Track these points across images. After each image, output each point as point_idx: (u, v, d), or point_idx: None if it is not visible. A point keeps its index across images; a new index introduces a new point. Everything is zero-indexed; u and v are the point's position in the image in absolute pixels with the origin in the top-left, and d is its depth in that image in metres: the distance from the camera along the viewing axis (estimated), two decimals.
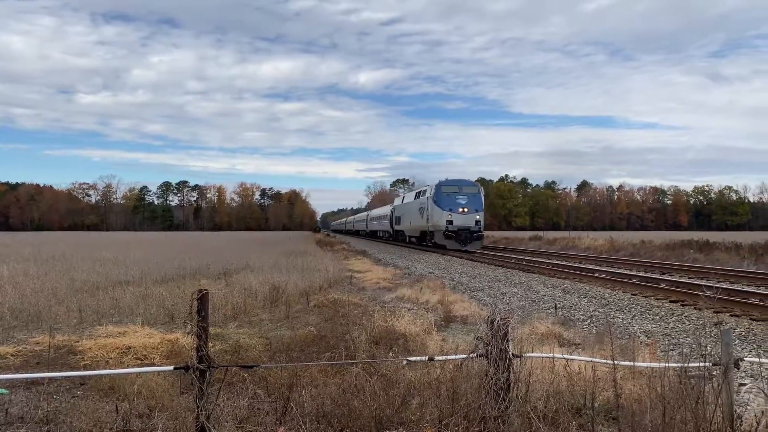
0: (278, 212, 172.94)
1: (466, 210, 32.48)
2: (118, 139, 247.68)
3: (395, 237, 50.74)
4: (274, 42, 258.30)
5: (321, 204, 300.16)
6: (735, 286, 13.98)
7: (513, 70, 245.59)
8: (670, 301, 11.58)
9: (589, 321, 10.18)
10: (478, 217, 32.83)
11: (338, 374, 5.19)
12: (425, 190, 37.33)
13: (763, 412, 3.20)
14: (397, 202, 51.37)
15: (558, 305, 11.75)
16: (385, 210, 61.31)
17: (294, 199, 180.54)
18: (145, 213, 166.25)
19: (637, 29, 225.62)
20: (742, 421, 3.39)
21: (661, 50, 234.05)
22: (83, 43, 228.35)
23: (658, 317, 10.20)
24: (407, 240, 44.50)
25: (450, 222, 32.22)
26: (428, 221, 34.94)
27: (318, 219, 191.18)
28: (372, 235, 71.13)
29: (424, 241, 38.06)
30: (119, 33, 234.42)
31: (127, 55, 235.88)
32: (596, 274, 17.04)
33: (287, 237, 73.17)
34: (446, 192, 33.48)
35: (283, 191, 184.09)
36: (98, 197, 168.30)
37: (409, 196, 44.01)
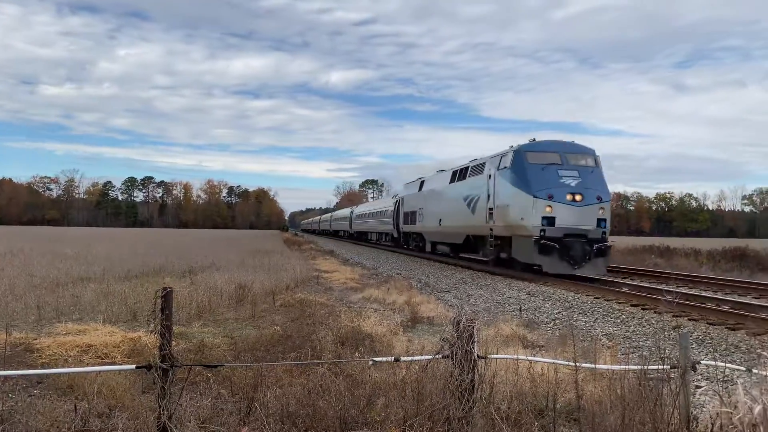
0: (246, 210, 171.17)
1: (580, 198, 16.80)
2: (82, 132, 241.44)
3: (403, 241, 34.61)
4: (245, 38, 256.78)
5: (289, 203, 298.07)
6: (693, 291, 14.35)
7: (483, 74, 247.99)
8: (631, 305, 11.83)
9: (552, 323, 10.34)
10: (602, 210, 16.97)
11: (303, 374, 5.17)
12: (483, 164, 20.99)
13: (717, 413, 3.29)
14: (408, 190, 33.38)
15: (523, 307, 11.90)
16: (383, 204, 44.89)
17: (262, 197, 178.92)
18: (108, 209, 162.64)
19: (605, 38, 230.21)
20: (698, 422, 3.50)
21: (629, 59, 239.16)
22: (48, 34, 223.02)
23: (619, 320, 10.41)
24: (427, 248, 28.89)
25: (549, 220, 16.64)
26: (491, 219, 19.19)
27: (286, 218, 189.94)
28: (358, 238, 56.26)
29: (469, 250, 23.35)
30: (86, 24, 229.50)
31: (93, 47, 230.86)
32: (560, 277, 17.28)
33: (254, 236, 72.56)
34: (538, 163, 17.56)
35: (251, 189, 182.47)
36: (60, 192, 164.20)
37: (437, 179, 27.33)
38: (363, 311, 9.72)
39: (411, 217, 31.33)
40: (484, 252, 20.89)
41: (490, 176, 19.70)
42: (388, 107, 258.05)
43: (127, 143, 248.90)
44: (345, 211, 71.87)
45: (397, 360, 4.37)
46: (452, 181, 24.51)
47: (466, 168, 23.09)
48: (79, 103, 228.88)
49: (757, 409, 3.10)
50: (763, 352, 4.59)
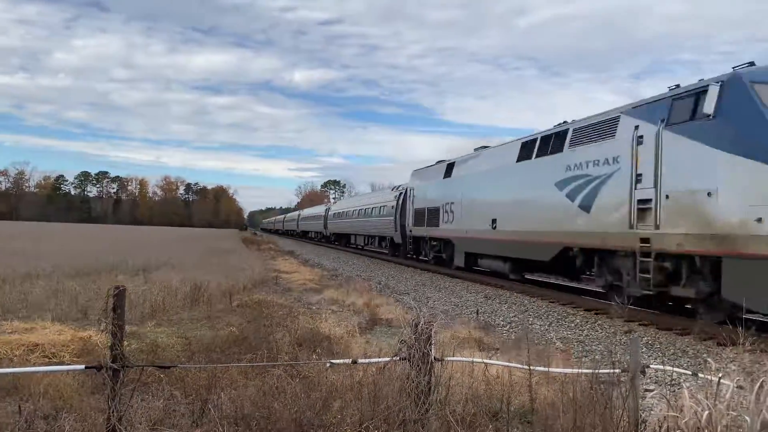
0: (203, 208, 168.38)
1: None
2: (36, 124, 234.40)
3: (412, 249, 25.40)
4: (207, 34, 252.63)
5: (249, 202, 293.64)
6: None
7: (446, 79, 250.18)
8: (585, 310, 12.08)
9: (508, 326, 10.49)
10: None
11: (259, 376, 5.11)
12: (613, 119, 11.79)
13: (665, 417, 3.39)
14: (422, 179, 24.09)
15: (480, 310, 12.03)
16: (378, 198, 33.84)
17: (221, 195, 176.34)
18: (60, 203, 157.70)
19: (568, 47, 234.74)
20: (646, 425, 3.59)
21: (590, 69, 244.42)
22: (1, 21, 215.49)
23: (573, 325, 10.63)
24: (458, 261, 19.85)
25: None
26: (644, 220, 10.54)
27: (245, 217, 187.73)
28: (336, 242, 47.12)
29: (561, 272, 15.78)
30: (41, 12, 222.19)
31: (48, 36, 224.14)
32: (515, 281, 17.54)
33: (212, 234, 71.52)
34: None
35: (209, 187, 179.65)
36: (9, 184, 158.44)
37: (487, 158, 18.51)
38: (322, 313, 9.68)
39: (429, 215, 22.30)
40: (609, 280, 11.87)
41: (640, 139, 10.70)
42: (353, 108, 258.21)
43: (82, 136, 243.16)
44: (317, 209, 61.12)
45: (354, 362, 4.36)
46: (525, 157, 15.24)
47: (562, 132, 13.70)
48: (32, 93, 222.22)
49: (705, 414, 3.21)
50: (709, 358, 4.75)
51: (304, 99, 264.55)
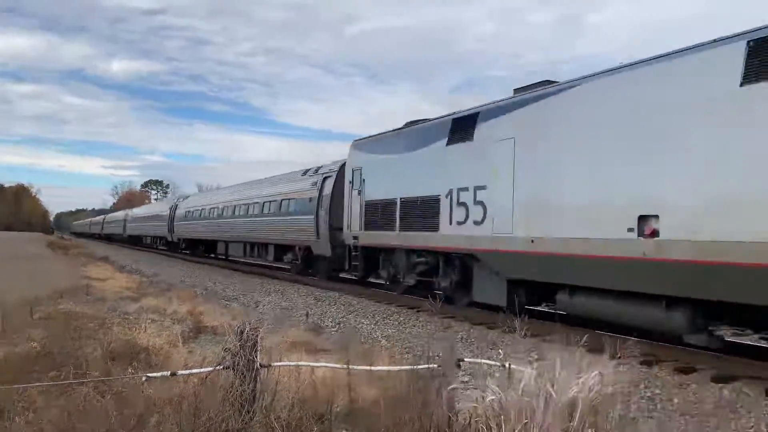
0: (0, 209, 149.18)
1: None
2: None
3: (360, 266, 15.07)
4: (7, 13, 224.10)
5: (55, 202, 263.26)
6: None
7: (279, 80, 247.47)
8: (408, 308, 12.68)
9: (337, 327, 10.69)
10: None
11: (64, 395, 4.66)
12: None
13: (474, 407, 3.68)
14: (393, 153, 13.72)
15: (309, 312, 12.10)
16: (283, 186, 21.93)
17: (21, 194, 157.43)
18: None
19: (393, 57, 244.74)
20: (458, 416, 3.86)
21: (413, 79, 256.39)
22: None
23: (397, 323, 11.11)
24: (472, 295, 11.36)
25: None
26: None
27: (52, 219, 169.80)
28: (185, 249, 35.57)
29: None
30: None
31: None
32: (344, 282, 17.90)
33: (11, 238, 63.82)
34: None
35: (7, 185, 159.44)
36: None
37: (633, 82, 7.95)
38: (140, 323, 9.08)
39: (405, 213, 13.06)
40: None
41: None
42: (177, 104, 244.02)
43: None
44: (157, 207, 47.96)
45: (173, 374, 4.15)
46: None
47: None
48: None
49: (490, 399, 3.55)
50: (500, 348, 5.32)
51: (123, 91, 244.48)
